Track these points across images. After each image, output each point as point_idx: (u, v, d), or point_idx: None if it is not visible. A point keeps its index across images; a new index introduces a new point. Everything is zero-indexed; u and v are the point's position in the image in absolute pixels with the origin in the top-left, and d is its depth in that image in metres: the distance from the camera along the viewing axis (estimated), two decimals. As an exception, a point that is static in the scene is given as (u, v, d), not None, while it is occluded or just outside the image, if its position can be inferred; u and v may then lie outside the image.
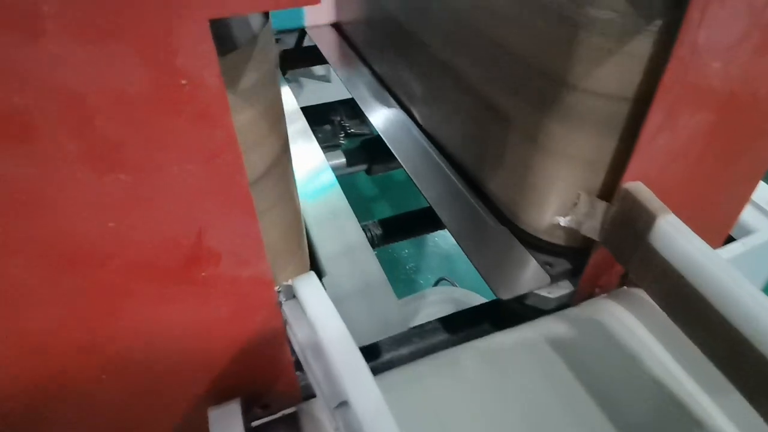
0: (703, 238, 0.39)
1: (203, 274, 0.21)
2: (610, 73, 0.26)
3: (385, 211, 1.44)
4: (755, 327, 0.21)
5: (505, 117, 0.34)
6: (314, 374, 0.22)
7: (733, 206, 0.39)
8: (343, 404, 0.20)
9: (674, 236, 0.26)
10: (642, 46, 0.25)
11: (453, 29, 0.38)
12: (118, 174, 0.17)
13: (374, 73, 0.58)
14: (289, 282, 0.24)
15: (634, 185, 0.29)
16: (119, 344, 0.22)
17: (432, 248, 1.37)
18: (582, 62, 0.27)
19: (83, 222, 0.17)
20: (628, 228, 0.29)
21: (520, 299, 0.35)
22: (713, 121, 0.29)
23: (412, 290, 1.11)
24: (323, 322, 0.22)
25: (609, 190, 0.30)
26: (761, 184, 0.52)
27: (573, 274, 0.35)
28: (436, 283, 1.04)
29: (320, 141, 0.93)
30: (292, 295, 0.24)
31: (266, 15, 0.20)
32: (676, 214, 0.35)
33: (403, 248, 1.39)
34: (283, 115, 0.23)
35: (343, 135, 0.94)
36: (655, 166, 0.29)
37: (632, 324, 0.30)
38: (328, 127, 0.93)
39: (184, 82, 0.16)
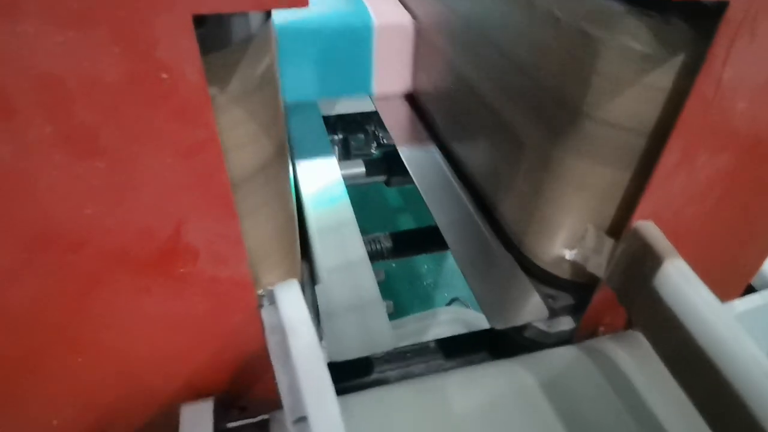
0: (719, 288, 0.37)
1: (181, 270, 0.21)
2: (628, 105, 0.25)
3: (410, 222, 1.43)
4: (752, 390, 0.20)
5: (521, 141, 0.33)
6: (281, 384, 0.22)
7: (754, 257, 0.37)
8: (302, 419, 0.19)
9: (680, 283, 0.25)
10: (663, 79, 0.24)
11: (475, 46, 0.38)
12: (94, 161, 0.17)
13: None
14: (271, 287, 0.24)
15: (645, 224, 0.27)
16: (93, 329, 0.22)
17: (453, 266, 1.36)
18: (599, 91, 0.25)
19: (58, 205, 0.18)
20: (634, 269, 0.27)
21: (518, 330, 0.34)
22: (735, 165, 0.28)
23: (428, 306, 1.10)
24: (295, 331, 0.21)
25: (619, 227, 0.29)
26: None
27: (576, 311, 0.34)
28: (450, 303, 1.02)
29: (353, 149, 0.92)
30: (273, 300, 0.24)
31: (267, 14, 0.20)
32: (691, 261, 0.33)
33: (424, 263, 1.38)
34: (281, 116, 0.23)
35: (375, 145, 0.94)
36: (669, 207, 0.28)
37: (630, 369, 0.29)
38: (361, 135, 0.94)
39: (164, 75, 0.16)
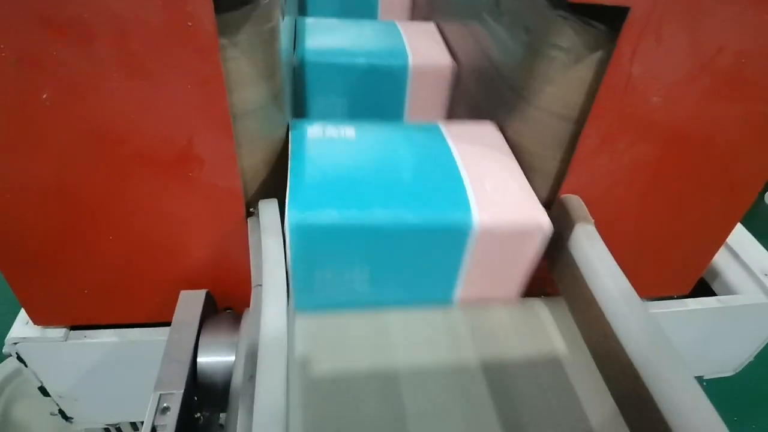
0: (659, 274, 0.42)
1: (190, 174, 0.29)
2: (557, 94, 0.31)
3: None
4: (636, 346, 0.25)
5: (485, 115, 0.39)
6: (252, 268, 0.29)
7: (696, 251, 0.41)
8: (258, 286, 0.26)
9: (584, 242, 0.30)
10: (584, 72, 0.29)
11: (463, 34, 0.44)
12: (140, 80, 0.25)
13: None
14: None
15: (569, 196, 0.33)
16: (124, 213, 0.30)
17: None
18: (537, 82, 0.31)
19: (112, 109, 0.25)
20: (557, 235, 0.33)
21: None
22: (661, 155, 0.33)
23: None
24: (267, 231, 0.28)
25: (552, 199, 0.34)
26: (756, 246, 0.52)
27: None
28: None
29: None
30: (257, 213, 0.31)
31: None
32: (629, 243, 0.38)
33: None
34: (279, 71, 0.30)
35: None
36: (595, 185, 0.33)
37: (549, 326, 0.34)
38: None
39: (189, 24, 0.23)
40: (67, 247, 0.31)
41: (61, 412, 0.44)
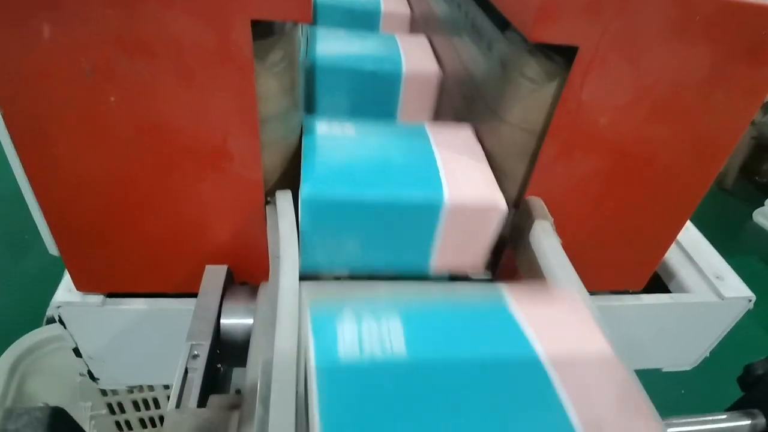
0: (614, 269, 0.48)
1: (222, 166, 0.35)
2: (524, 113, 0.37)
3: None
4: None
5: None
6: (270, 247, 0.35)
7: (645, 251, 0.47)
8: (276, 257, 0.33)
9: (541, 236, 0.36)
10: (545, 95, 0.36)
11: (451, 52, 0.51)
12: (190, 88, 0.31)
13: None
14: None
15: (532, 198, 0.39)
16: (167, 198, 0.36)
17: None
18: (508, 102, 0.38)
19: (166, 110, 0.32)
20: (521, 230, 0.39)
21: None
22: (609, 167, 0.39)
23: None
24: (283, 215, 0.35)
25: (519, 200, 0.41)
26: (711, 251, 0.59)
27: (494, 267, 0.46)
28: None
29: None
30: (274, 201, 0.38)
31: (293, 22, 0.34)
32: (585, 240, 0.44)
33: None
34: (297, 85, 0.36)
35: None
36: (555, 190, 0.40)
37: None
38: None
39: (233, 48, 0.30)
40: (115, 224, 0.38)
41: (90, 373, 0.50)
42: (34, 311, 1.52)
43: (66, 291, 0.44)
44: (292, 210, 0.36)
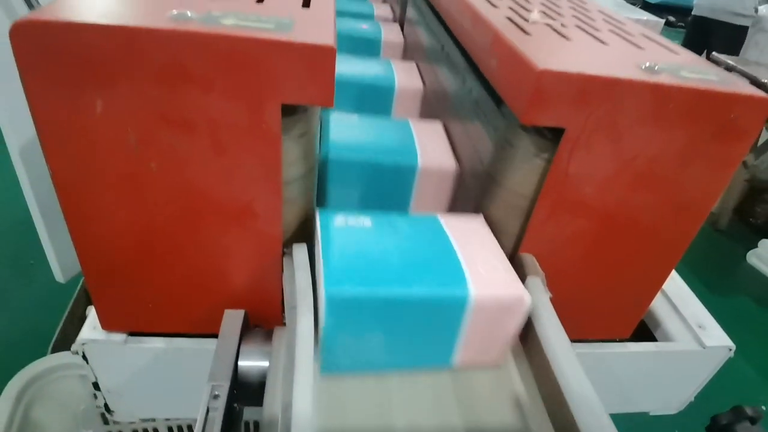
0: (602, 319, 0.51)
1: (247, 222, 0.39)
2: (520, 180, 0.42)
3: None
4: (561, 373, 0.34)
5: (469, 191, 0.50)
6: (286, 296, 0.39)
7: (629, 303, 0.51)
8: (293, 308, 0.36)
9: (532, 291, 0.40)
10: (538, 167, 0.40)
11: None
12: (223, 158, 0.35)
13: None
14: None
15: (525, 255, 0.43)
16: (197, 246, 0.40)
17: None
18: (506, 171, 0.42)
19: (201, 176, 0.36)
20: (517, 282, 0.43)
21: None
22: (595, 228, 0.43)
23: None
24: (300, 267, 0.39)
25: (514, 254, 0.45)
26: (695, 301, 0.62)
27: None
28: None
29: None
30: (290, 253, 0.42)
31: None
32: (574, 293, 0.48)
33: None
34: (314, 152, 0.41)
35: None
36: (546, 246, 0.44)
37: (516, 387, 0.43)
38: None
39: (264, 126, 0.34)
40: (143, 270, 0.42)
41: (106, 406, 0.53)
42: (38, 337, 1.53)
43: (91, 329, 0.48)
44: (307, 262, 0.40)
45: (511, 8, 0.51)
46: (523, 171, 0.41)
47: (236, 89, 0.33)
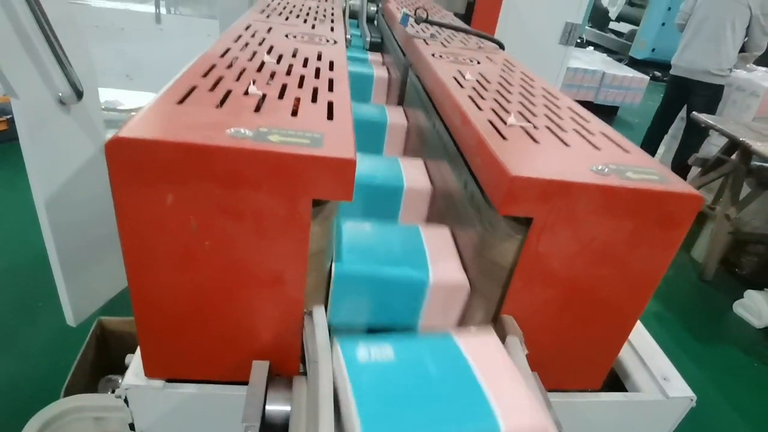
0: (574, 372, 0.60)
1: (276, 288, 0.48)
2: (500, 255, 0.51)
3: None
4: None
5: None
6: (307, 351, 0.47)
7: (596, 358, 0.59)
8: (314, 362, 0.44)
9: (510, 350, 0.49)
10: (514, 245, 0.50)
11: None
12: (263, 238, 0.45)
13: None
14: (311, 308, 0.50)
15: (505, 317, 0.52)
16: (233, 307, 0.49)
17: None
18: (488, 246, 0.52)
19: (244, 252, 0.45)
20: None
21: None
22: (564, 295, 0.52)
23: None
24: (318, 327, 0.47)
25: (496, 316, 0.53)
26: (660, 355, 0.70)
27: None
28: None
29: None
30: (311, 313, 0.50)
31: (337, 192, 0.48)
32: (548, 349, 0.56)
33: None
34: (333, 229, 0.50)
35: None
36: (524, 310, 0.52)
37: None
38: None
39: (297, 216, 0.44)
40: (188, 327, 0.50)
41: (139, 445, 0.60)
42: (48, 380, 1.58)
43: (133, 375, 0.55)
44: (325, 322, 0.48)
45: (493, 109, 0.62)
46: (503, 247, 0.50)
47: (279, 189, 0.42)
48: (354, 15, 1.75)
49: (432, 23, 1.00)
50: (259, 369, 0.51)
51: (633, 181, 0.47)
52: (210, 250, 0.45)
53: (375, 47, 1.50)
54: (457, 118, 0.62)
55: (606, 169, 0.48)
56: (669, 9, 7.80)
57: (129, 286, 0.48)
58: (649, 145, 3.86)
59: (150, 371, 0.54)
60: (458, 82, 0.72)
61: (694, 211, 0.49)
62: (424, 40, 0.97)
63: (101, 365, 1.37)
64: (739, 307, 2.63)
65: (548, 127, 0.59)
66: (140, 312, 0.49)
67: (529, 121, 0.60)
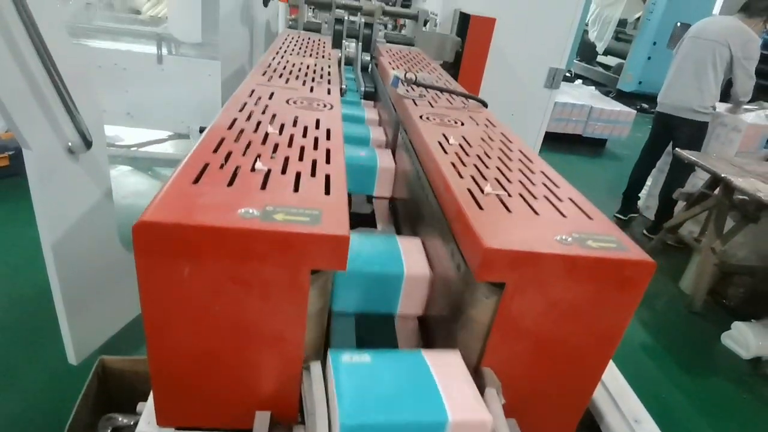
0: (548, 417, 0.65)
1: (278, 345, 0.54)
2: (480, 313, 0.57)
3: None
4: None
5: (442, 325, 0.65)
6: (306, 404, 0.52)
7: (568, 406, 0.65)
8: (312, 414, 0.50)
9: (487, 396, 0.54)
10: (490, 305, 0.56)
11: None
12: (268, 303, 0.51)
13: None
14: (309, 363, 0.56)
15: (486, 369, 0.58)
16: (240, 362, 0.54)
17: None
18: (470, 306, 0.58)
19: (251, 314, 0.51)
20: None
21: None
22: (537, 347, 0.58)
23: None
24: (315, 380, 0.53)
25: (477, 367, 0.59)
26: (633, 398, 0.76)
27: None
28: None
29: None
30: (308, 368, 0.56)
31: (333, 260, 0.55)
32: (524, 397, 0.62)
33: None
34: (329, 293, 0.56)
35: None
36: (502, 362, 0.58)
37: None
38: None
39: (297, 283, 0.50)
40: (198, 379, 0.56)
41: (147, 489, 0.64)
42: (49, 419, 1.60)
43: (146, 423, 0.60)
44: (321, 376, 0.54)
45: (472, 176, 0.69)
46: (481, 307, 0.57)
47: (282, 262, 0.49)
48: (349, 62, 1.85)
49: (421, 86, 1.09)
50: (262, 419, 0.56)
51: (593, 250, 0.54)
52: (219, 312, 0.51)
53: (369, 95, 1.59)
54: (441, 184, 0.69)
55: (569, 239, 0.55)
56: (654, 44, 8.07)
57: (147, 343, 0.53)
58: (637, 179, 3.97)
59: (162, 420, 0.59)
60: (442, 147, 0.79)
61: (648, 276, 0.55)
62: (413, 101, 1.06)
63: (102, 403, 1.40)
64: (727, 339, 2.69)
65: (521, 194, 0.66)
66: (155, 366, 0.55)
67: (504, 189, 0.67)
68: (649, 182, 4.12)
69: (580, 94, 5.82)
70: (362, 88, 1.56)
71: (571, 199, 0.67)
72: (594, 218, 0.62)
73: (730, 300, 3.06)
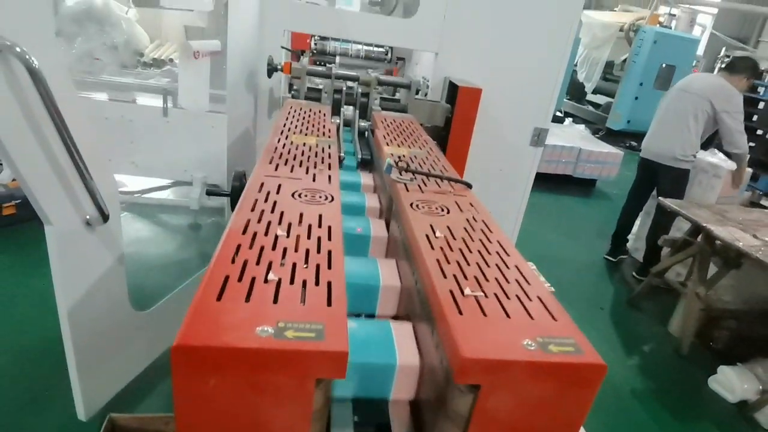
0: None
1: None
2: (458, 405, 0.67)
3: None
4: None
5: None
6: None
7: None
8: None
9: (468, 484, 0.63)
10: (468, 400, 0.66)
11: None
12: (281, 407, 0.60)
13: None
14: None
15: (465, 455, 0.67)
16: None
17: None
18: (449, 401, 0.68)
19: (266, 416, 0.61)
20: (459, 474, 0.66)
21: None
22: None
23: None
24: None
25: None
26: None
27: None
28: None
29: None
30: None
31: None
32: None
33: None
34: (330, 392, 0.66)
35: None
36: (478, 450, 0.68)
37: None
38: None
39: (304, 389, 0.60)
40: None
41: None
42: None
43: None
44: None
45: (455, 276, 0.79)
46: (461, 402, 0.66)
47: (292, 373, 0.59)
48: (348, 123, 1.99)
49: (412, 171, 1.21)
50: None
51: (553, 355, 0.64)
52: (238, 413, 0.61)
53: (366, 163, 1.71)
54: (428, 284, 0.79)
55: (533, 345, 0.65)
56: (641, 84, 8.37)
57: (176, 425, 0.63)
58: (625, 222, 4.11)
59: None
60: (429, 242, 0.90)
61: (600, 377, 0.65)
62: (405, 185, 1.17)
63: (110, 463, 1.46)
64: (714, 383, 2.76)
65: (496, 295, 0.76)
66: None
67: (482, 288, 0.77)
68: (638, 222, 4.26)
69: (569, 135, 6.02)
70: (359, 156, 1.69)
71: (539, 298, 0.77)
72: (558, 319, 0.73)
73: (717, 343, 3.14)
